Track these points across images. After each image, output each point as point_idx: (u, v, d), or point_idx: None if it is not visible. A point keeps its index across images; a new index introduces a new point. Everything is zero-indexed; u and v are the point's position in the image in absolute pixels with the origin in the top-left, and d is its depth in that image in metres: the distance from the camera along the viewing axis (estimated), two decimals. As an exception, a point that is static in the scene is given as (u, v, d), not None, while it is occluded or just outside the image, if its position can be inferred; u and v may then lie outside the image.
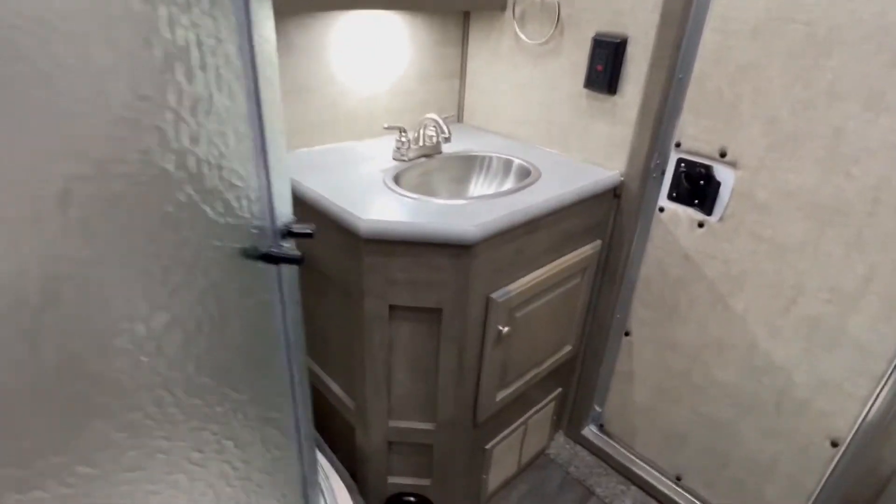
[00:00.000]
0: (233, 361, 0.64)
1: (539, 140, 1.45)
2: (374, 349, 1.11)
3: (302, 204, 1.09)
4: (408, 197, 1.06)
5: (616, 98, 1.24)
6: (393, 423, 1.22)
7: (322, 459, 1.23)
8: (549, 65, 1.35)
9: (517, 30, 1.37)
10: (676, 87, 1.16)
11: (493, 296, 1.08)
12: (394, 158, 1.28)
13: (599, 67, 1.22)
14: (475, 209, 1.03)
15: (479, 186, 1.36)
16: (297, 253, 0.68)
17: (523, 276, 1.15)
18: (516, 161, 1.33)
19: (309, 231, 0.72)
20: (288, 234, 0.72)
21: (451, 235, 0.96)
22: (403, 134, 1.27)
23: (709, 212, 1.17)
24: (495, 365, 1.18)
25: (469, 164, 1.36)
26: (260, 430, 0.72)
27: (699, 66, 1.11)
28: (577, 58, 1.28)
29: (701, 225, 1.20)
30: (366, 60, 1.34)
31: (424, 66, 1.48)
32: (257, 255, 0.66)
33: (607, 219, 1.34)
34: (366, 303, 1.06)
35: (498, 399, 1.25)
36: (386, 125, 1.28)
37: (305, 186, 1.10)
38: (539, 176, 1.23)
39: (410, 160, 1.27)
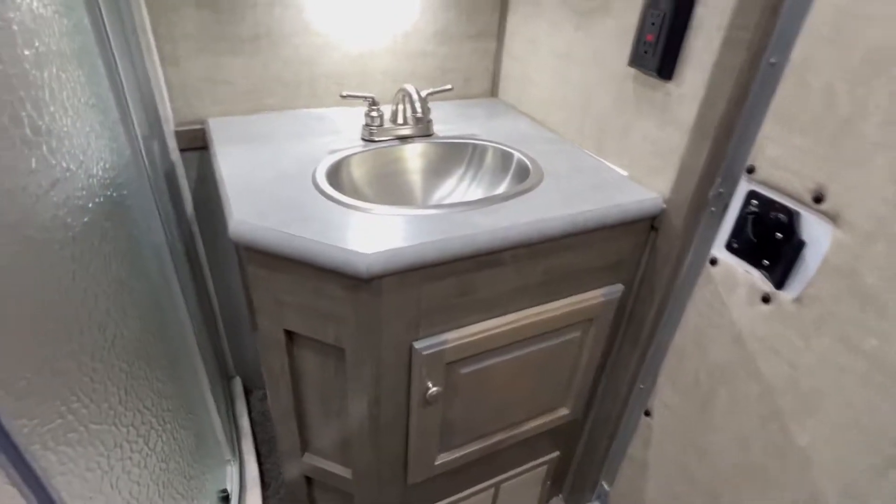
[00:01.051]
0: None
1: (571, 132, 1.07)
2: (275, 374, 0.89)
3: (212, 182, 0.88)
4: (331, 198, 0.79)
5: (670, 86, 0.82)
6: (308, 459, 1.01)
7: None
8: (593, 27, 0.95)
9: (560, -24, 0.99)
10: (763, 77, 0.72)
11: (417, 346, 0.79)
12: (362, 138, 1.00)
13: (650, 37, 0.81)
14: (429, 225, 0.73)
15: (463, 187, 1.03)
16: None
17: (473, 322, 0.83)
18: (517, 155, 0.98)
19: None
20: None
21: (338, 261, 0.68)
22: (374, 108, 0.99)
23: (781, 282, 0.74)
24: (429, 425, 0.90)
25: (455, 155, 1.03)
26: None
27: (803, 47, 0.66)
28: (628, 20, 0.88)
29: (766, 299, 0.77)
30: (357, 6, 1.06)
31: (444, 19, 1.15)
32: None
33: (636, 257, 0.95)
34: (258, 321, 0.83)
35: (438, 462, 0.97)
36: (344, 93, 1.00)
37: (218, 161, 0.88)
38: (539, 182, 0.88)
39: (378, 141, 0.99)
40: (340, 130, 1.03)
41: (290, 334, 0.83)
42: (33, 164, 0.52)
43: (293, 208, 0.75)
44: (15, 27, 0.51)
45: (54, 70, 0.58)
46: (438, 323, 0.80)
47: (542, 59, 1.11)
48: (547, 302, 0.89)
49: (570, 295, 0.91)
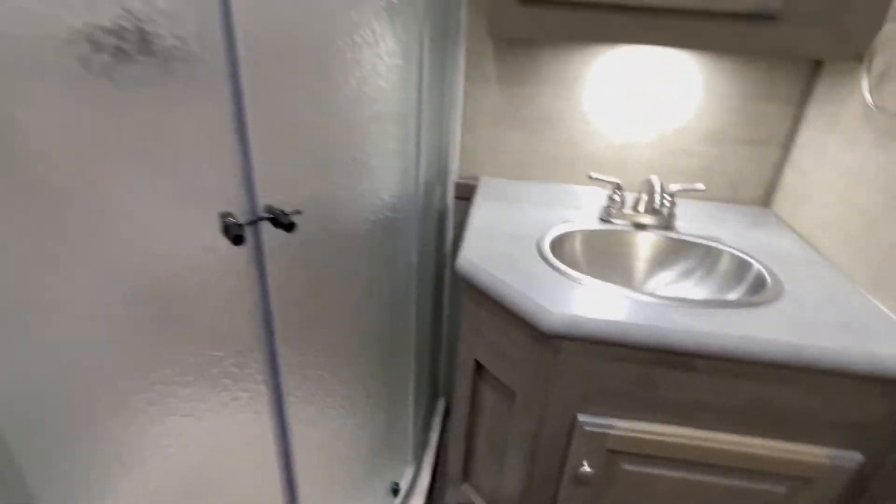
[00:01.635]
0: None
1: (841, 259, 0.91)
2: (459, 397, 1.01)
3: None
4: (547, 260, 0.88)
5: None
6: (466, 489, 1.08)
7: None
8: (894, 150, 0.82)
9: (866, 91, 0.88)
10: None
11: (581, 419, 0.80)
12: (599, 218, 1.07)
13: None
14: (624, 306, 0.77)
15: (685, 285, 0.98)
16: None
17: (648, 420, 0.79)
18: (756, 267, 0.89)
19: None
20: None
21: (527, 311, 0.76)
22: (617, 192, 1.05)
23: None
24: (578, 506, 0.88)
25: (686, 252, 0.99)
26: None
27: None
28: (944, 148, 0.73)
29: None
30: (630, 102, 1.15)
31: (722, 121, 1.14)
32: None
33: (890, 428, 0.74)
34: (459, 345, 0.97)
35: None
36: (592, 175, 1.07)
37: (472, 209, 1.07)
38: (773, 300, 0.80)
39: (614, 224, 1.04)
40: (582, 207, 1.12)
41: (479, 365, 0.95)
42: (353, 181, 0.78)
43: (511, 260, 0.87)
44: (367, 92, 0.79)
45: (381, 125, 0.84)
46: (610, 405, 0.79)
47: (827, 175, 0.99)
48: (745, 434, 0.78)
49: (780, 439, 0.78)
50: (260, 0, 0.70)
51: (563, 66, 1.14)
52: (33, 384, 0.74)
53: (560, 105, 1.18)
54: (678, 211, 1.12)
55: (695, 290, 0.96)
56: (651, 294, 0.80)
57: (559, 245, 0.97)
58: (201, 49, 0.70)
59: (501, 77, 1.16)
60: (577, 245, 1.00)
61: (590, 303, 0.77)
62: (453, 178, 1.28)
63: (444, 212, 1.31)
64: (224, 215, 0.69)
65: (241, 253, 0.71)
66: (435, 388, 1.62)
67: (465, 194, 1.28)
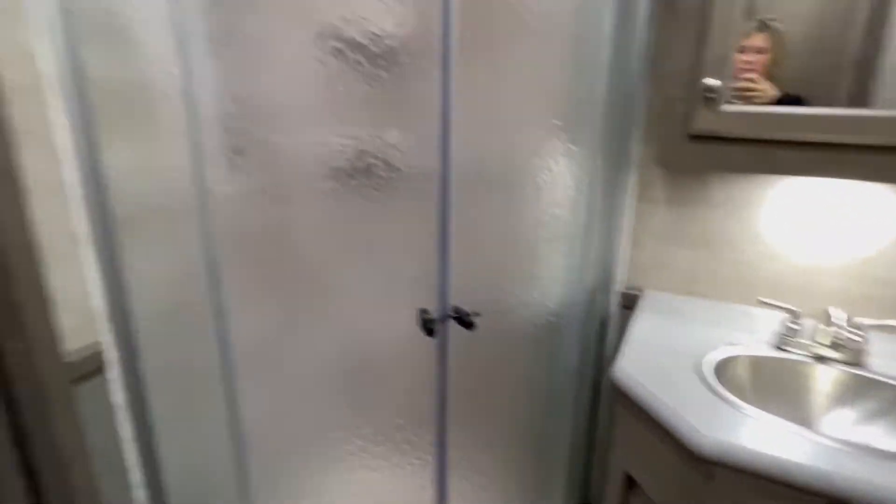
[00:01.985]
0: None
1: None
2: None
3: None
4: (706, 381, 0.89)
5: None
6: None
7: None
8: None
9: None
10: None
11: (735, 554, 0.76)
12: (772, 344, 1.03)
13: None
14: (791, 441, 0.76)
15: (870, 429, 0.87)
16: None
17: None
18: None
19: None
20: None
21: (677, 427, 0.78)
22: (795, 320, 1.00)
23: None
24: None
25: (875, 394, 0.90)
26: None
27: None
28: None
29: None
30: (813, 227, 1.12)
31: (932, 254, 1.03)
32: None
33: None
34: (611, 453, 0.99)
35: None
36: (764, 300, 1.02)
37: (633, 321, 1.12)
38: None
39: (788, 353, 0.99)
40: (754, 331, 1.09)
41: (629, 479, 0.96)
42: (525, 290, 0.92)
43: (667, 376, 0.91)
44: (544, 217, 0.94)
45: (554, 244, 0.98)
46: (768, 547, 0.75)
47: None
48: None
49: None
50: (469, 140, 0.91)
51: (736, 191, 1.17)
52: (272, 419, 0.98)
53: (731, 226, 1.20)
54: (871, 346, 1.03)
55: (882, 438, 0.86)
56: (825, 435, 0.76)
57: (722, 367, 0.96)
58: (423, 175, 0.94)
59: (671, 199, 1.23)
60: (742, 370, 0.98)
61: (750, 432, 0.76)
62: (618, 287, 1.35)
63: (607, 319, 1.37)
64: (422, 311, 0.88)
65: (431, 343, 0.89)
66: (585, 493, 1.59)
67: (630, 304, 1.34)
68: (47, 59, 0.83)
